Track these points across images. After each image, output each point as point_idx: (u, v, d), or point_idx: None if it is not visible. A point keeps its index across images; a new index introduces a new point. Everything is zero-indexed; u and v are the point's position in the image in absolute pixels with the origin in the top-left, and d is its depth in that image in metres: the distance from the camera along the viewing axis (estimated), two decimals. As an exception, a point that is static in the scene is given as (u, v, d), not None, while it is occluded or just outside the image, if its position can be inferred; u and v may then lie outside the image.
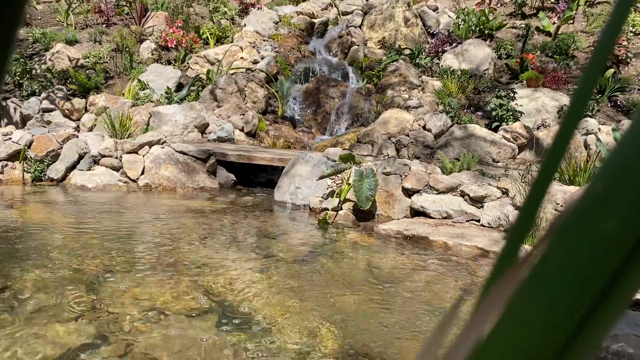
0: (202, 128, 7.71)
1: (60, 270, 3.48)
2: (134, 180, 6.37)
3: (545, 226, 4.30)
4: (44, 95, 8.17)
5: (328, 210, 5.24)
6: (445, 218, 5.00)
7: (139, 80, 8.70)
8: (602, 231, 0.20)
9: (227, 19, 11.12)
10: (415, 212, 5.20)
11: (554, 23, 10.24)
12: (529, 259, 0.22)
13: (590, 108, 7.41)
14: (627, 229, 0.19)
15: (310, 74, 9.36)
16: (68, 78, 8.85)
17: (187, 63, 9.69)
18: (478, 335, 0.21)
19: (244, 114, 7.92)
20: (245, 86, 8.52)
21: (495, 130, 7.28)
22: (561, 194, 4.53)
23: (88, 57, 9.52)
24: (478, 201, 4.89)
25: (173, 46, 9.84)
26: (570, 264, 0.20)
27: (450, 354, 0.22)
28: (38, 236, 4.27)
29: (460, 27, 10.16)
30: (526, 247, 4.11)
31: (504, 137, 6.99)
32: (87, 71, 9.30)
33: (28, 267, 3.51)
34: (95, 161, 6.47)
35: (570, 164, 5.09)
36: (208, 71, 9.03)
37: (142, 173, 6.38)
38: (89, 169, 6.40)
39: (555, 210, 4.45)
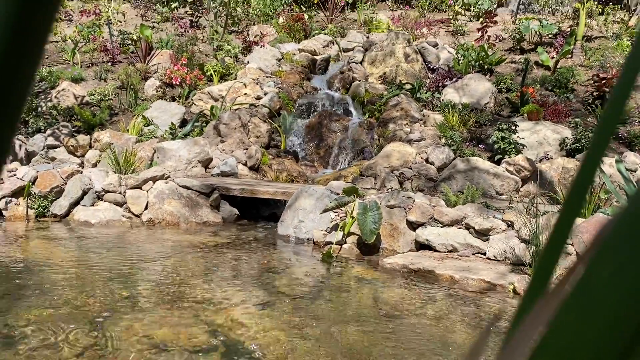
0: (206, 163, 7.74)
1: (62, 307, 3.43)
2: (137, 216, 6.36)
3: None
4: (49, 132, 8.24)
5: (332, 244, 5.20)
6: (450, 251, 4.95)
7: (144, 117, 8.80)
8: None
9: (231, 57, 11.31)
10: (421, 246, 5.16)
11: (553, 57, 10.39)
12: (564, 281, 0.21)
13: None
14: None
15: (313, 109, 9.45)
16: (73, 115, 8.95)
17: (191, 99, 9.81)
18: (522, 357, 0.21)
19: (247, 149, 7.97)
20: (249, 121, 8.60)
21: (498, 163, 7.29)
22: (567, 226, 4.49)
23: (93, 95, 9.65)
24: (483, 234, 4.86)
25: (177, 83, 9.99)
26: (619, 277, 0.20)
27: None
28: (40, 273, 4.24)
29: (460, 62, 10.30)
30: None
31: (507, 170, 6.99)
32: (92, 108, 9.42)
33: (29, 304, 3.47)
34: (99, 197, 6.48)
35: (574, 195, 5.07)
36: (212, 107, 9.13)
37: (146, 208, 6.38)
38: (93, 205, 6.40)
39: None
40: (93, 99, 9.62)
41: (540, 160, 7.33)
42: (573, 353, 0.19)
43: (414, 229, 5.21)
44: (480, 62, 10.21)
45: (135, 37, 11.58)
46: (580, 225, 4.38)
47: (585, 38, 11.10)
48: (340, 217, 5.50)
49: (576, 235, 4.35)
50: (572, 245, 4.37)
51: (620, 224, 0.20)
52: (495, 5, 14.41)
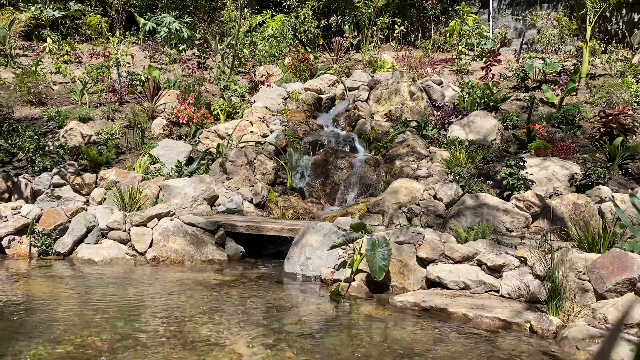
0: (212, 200, 7.68)
1: (62, 346, 3.31)
2: (141, 253, 6.25)
3: (569, 295, 4.10)
4: (55, 170, 8.24)
5: (340, 281, 5.06)
6: (462, 289, 4.80)
7: (150, 155, 8.80)
8: None
9: (238, 96, 11.42)
10: (432, 283, 5.01)
11: (558, 95, 10.42)
12: None
13: (602, 176, 7.34)
14: None
15: (319, 146, 9.45)
16: (80, 154, 8.97)
17: (198, 138, 9.84)
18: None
19: (253, 186, 7.92)
20: (255, 159, 8.58)
21: (507, 199, 7.19)
22: (582, 261, 4.36)
23: (100, 134, 9.70)
24: (496, 270, 4.72)
25: (184, 122, 10.05)
26: None
27: None
28: (41, 311, 4.12)
29: (465, 99, 10.35)
30: (551, 317, 3.90)
31: (517, 206, 6.88)
32: (99, 147, 9.45)
33: (29, 343, 3.34)
34: (104, 234, 6.40)
35: (588, 231, 4.95)
36: (218, 145, 9.14)
37: (150, 246, 6.28)
38: (97, 243, 6.31)
39: (578, 278, 4.27)
40: (100, 138, 9.66)
41: (550, 196, 7.23)
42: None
43: (425, 266, 5.07)
44: (485, 99, 10.25)
45: (143, 78, 11.74)
46: (596, 262, 4.25)
47: (589, 76, 11.17)
48: (348, 254, 5.38)
49: (592, 271, 4.21)
50: (589, 281, 4.22)
51: None
52: (499, 45, 14.61)
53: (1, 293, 4.62)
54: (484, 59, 12.42)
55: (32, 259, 6.10)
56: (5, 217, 6.26)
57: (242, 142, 9.28)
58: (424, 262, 5.07)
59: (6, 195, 7.84)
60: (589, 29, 10.77)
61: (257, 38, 14.65)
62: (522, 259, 4.71)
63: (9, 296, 4.55)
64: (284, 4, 16.80)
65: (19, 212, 6.29)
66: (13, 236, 6.15)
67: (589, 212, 6.73)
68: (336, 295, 4.86)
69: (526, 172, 7.54)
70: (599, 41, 12.60)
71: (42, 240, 6.17)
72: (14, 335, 3.52)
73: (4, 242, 6.10)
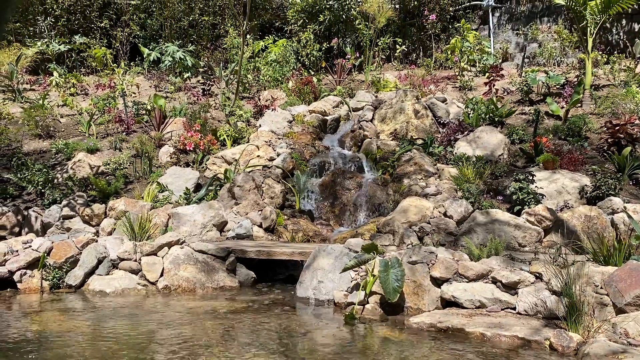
0: (221, 226, 7.67)
1: (76, 382, 3.27)
2: (153, 283, 6.23)
3: (588, 310, 4.03)
4: (64, 202, 8.27)
5: (354, 304, 5.01)
6: (478, 307, 4.73)
7: (158, 183, 8.83)
8: None
9: (243, 121, 11.49)
10: (447, 303, 4.94)
11: (563, 107, 10.41)
12: None
13: (613, 187, 7.28)
14: None
15: (326, 168, 9.45)
16: (88, 185, 9.01)
17: (205, 164, 9.87)
18: None
19: (261, 210, 7.91)
20: (262, 183, 8.59)
21: (518, 214, 7.13)
22: (599, 275, 4.29)
23: (108, 164, 9.76)
24: (512, 287, 4.66)
25: (191, 149, 10.10)
26: None
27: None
28: (54, 347, 4.09)
29: (470, 115, 10.35)
30: (571, 334, 3.82)
31: (528, 221, 6.82)
32: (107, 177, 9.49)
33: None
34: (114, 265, 6.38)
35: (603, 243, 4.89)
36: (226, 170, 9.17)
37: (161, 275, 6.25)
38: (108, 274, 6.30)
39: (596, 292, 4.20)
40: (108, 168, 9.72)
41: (561, 210, 7.16)
42: None
43: (439, 285, 5.01)
44: (490, 114, 10.25)
45: (149, 107, 11.85)
46: (613, 275, 4.18)
47: (593, 87, 11.16)
48: (361, 276, 5.33)
49: (610, 284, 4.14)
50: (607, 295, 4.15)
51: None
52: (500, 60, 14.66)
53: (15, 330, 4.59)
54: (487, 74, 12.45)
55: (43, 292, 6.09)
56: (17, 251, 6.26)
57: (249, 167, 9.31)
58: (438, 282, 5.02)
59: (17, 229, 7.87)
60: (590, 40, 10.81)
61: (260, 63, 14.80)
62: (538, 274, 4.64)
63: (22, 332, 4.53)
64: (286, 29, 16.99)
65: (30, 246, 6.30)
66: (24, 270, 6.15)
67: (602, 224, 6.66)
68: (350, 319, 4.80)
69: (535, 186, 7.49)
70: (600, 52, 12.62)
71: (53, 274, 6.16)
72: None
73: (16, 277, 6.09)
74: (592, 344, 3.60)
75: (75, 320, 4.96)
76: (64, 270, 6.26)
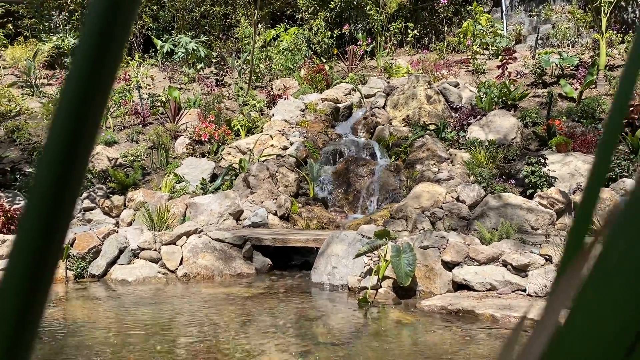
0: (237, 215, 7.83)
1: (103, 365, 3.46)
2: (172, 271, 6.42)
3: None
4: (85, 194, 8.51)
5: (367, 289, 5.14)
6: (489, 290, 4.83)
7: (175, 174, 9.02)
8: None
9: (256, 111, 11.61)
10: (458, 286, 5.05)
11: (577, 89, 10.34)
12: (585, 255, 0.23)
13: (626, 168, 7.27)
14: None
15: (339, 155, 9.55)
16: (107, 177, 9.24)
17: (220, 154, 10.04)
18: (550, 333, 0.22)
19: (276, 199, 8.06)
20: (277, 171, 8.73)
21: (530, 197, 7.17)
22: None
23: (126, 156, 9.98)
24: (522, 270, 4.74)
25: (206, 140, 10.26)
26: (632, 255, 0.21)
27: (524, 352, 0.22)
28: (80, 333, 4.29)
29: (483, 99, 10.34)
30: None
31: (540, 204, 6.86)
32: (125, 169, 9.71)
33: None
34: (135, 255, 6.59)
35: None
36: (240, 160, 9.32)
37: (181, 263, 6.45)
38: (129, 263, 6.50)
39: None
40: (126, 160, 9.94)
41: (574, 192, 7.19)
42: (594, 330, 0.21)
43: (450, 269, 5.12)
44: (503, 98, 10.23)
45: (164, 99, 12.03)
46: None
47: (607, 67, 11.05)
48: (374, 261, 5.45)
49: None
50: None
51: (629, 206, 0.22)
52: (514, 43, 14.54)
53: (43, 318, 4.81)
54: (500, 57, 12.38)
55: (68, 282, 6.32)
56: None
57: (263, 156, 9.44)
58: (449, 266, 5.12)
59: (40, 222, 8.13)
60: (604, 20, 10.69)
61: (272, 52, 14.87)
62: (548, 257, 4.72)
63: (49, 320, 4.75)
64: (297, 16, 17.01)
65: (54, 238, 6.53)
66: (49, 261, 6.38)
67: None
68: (364, 303, 4.93)
69: (548, 169, 7.51)
70: (615, 32, 12.46)
71: (77, 264, 6.39)
72: (54, 358, 3.69)
73: (42, 267, 6.33)
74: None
75: (99, 308, 5.17)
76: (87, 260, 6.48)
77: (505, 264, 4.86)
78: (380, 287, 5.22)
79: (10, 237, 6.36)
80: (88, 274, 6.43)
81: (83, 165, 0.24)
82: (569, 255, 0.24)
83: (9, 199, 8.33)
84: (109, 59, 0.23)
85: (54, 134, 0.23)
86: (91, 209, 8.34)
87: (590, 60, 11.48)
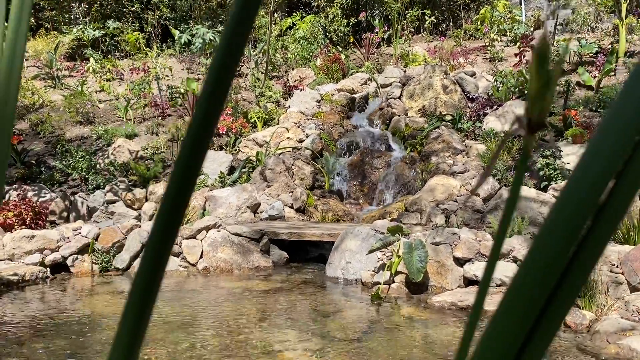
0: (254, 208, 8.02)
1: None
2: (193, 265, 6.65)
3: (602, 289, 4.20)
4: (107, 187, 8.77)
5: (380, 284, 5.29)
6: (499, 285, 4.94)
7: (194, 167, 9.21)
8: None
9: (273, 102, 11.74)
10: (469, 282, 5.17)
11: (595, 77, 10.24)
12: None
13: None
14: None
15: (354, 147, 9.65)
16: (129, 170, 9.49)
17: (238, 147, 10.22)
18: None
19: (292, 192, 8.22)
20: (293, 164, 8.88)
21: (545, 190, 7.22)
22: (616, 253, 4.43)
23: (147, 149, 10.22)
24: (531, 267, 4.84)
25: (224, 132, 10.44)
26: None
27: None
28: (104, 327, 4.53)
29: (499, 89, 10.31)
30: (584, 312, 4.01)
31: (554, 197, 6.90)
32: (147, 162, 9.95)
33: (95, 359, 3.73)
34: (156, 248, 6.81)
35: (622, 223, 4.99)
36: (257, 153, 9.49)
37: (201, 257, 6.67)
38: (151, 256, 6.74)
39: (611, 271, 4.35)
40: (147, 153, 10.17)
41: (589, 185, 7.20)
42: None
43: (461, 265, 5.23)
44: (520, 87, 10.18)
45: (182, 91, 12.22)
46: (629, 254, 4.32)
47: (627, 54, 10.91)
48: (387, 257, 5.60)
49: (625, 263, 4.28)
50: (623, 274, 4.30)
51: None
52: (532, 29, 14.37)
53: (69, 311, 5.07)
54: (518, 44, 12.28)
55: (94, 275, 6.60)
56: (68, 237, 6.77)
57: (279, 149, 9.59)
58: (460, 262, 5.24)
59: (65, 214, 8.43)
60: (624, 5, 10.53)
61: (288, 42, 14.93)
62: (557, 254, 4.80)
63: (75, 314, 5.00)
64: (313, 4, 17.00)
65: (80, 233, 6.79)
66: (76, 255, 6.66)
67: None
68: (377, 298, 5.09)
69: (563, 162, 7.53)
70: (637, 17, 12.23)
71: (102, 258, 6.66)
72: (82, 352, 3.92)
73: (69, 261, 6.61)
74: (603, 321, 3.79)
75: (123, 302, 5.41)
76: (111, 254, 6.74)
77: (515, 260, 4.96)
78: (393, 282, 5.36)
79: (39, 232, 6.65)
80: (112, 267, 6.69)
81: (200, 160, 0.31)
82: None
83: (35, 192, 8.64)
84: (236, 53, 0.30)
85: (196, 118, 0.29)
86: (114, 201, 8.61)
87: (610, 46, 11.32)
